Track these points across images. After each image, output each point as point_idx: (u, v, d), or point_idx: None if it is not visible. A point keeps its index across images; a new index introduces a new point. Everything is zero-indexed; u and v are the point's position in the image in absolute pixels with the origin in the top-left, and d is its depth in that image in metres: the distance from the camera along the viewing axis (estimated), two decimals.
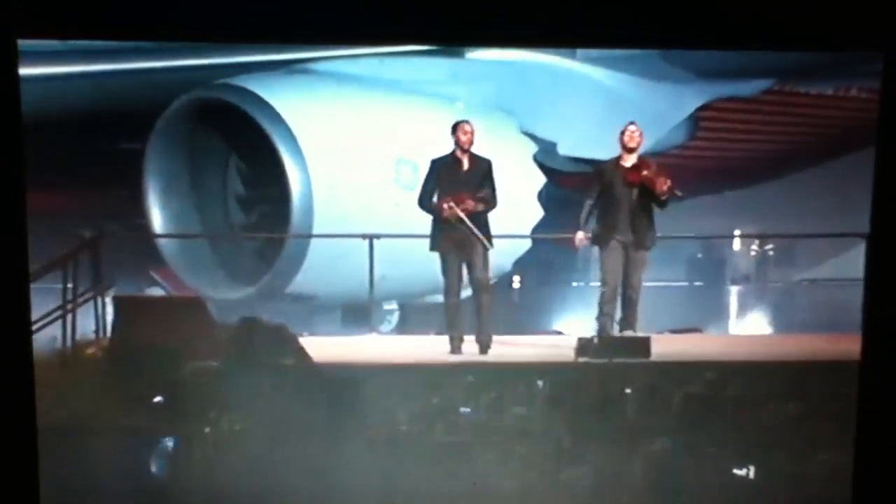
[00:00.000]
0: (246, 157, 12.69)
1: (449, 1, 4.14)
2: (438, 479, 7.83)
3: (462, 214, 9.77)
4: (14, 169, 4.06)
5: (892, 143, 3.70)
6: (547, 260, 13.20)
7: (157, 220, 12.30)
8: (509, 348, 10.15)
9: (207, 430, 8.11)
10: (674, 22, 3.89)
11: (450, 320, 10.02)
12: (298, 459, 7.82)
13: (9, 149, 4.05)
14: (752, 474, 8.02)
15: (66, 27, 4.16)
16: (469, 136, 9.97)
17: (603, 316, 10.01)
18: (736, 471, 8.00)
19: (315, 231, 11.74)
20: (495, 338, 10.24)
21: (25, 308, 4.21)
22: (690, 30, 3.88)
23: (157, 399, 8.30)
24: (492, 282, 10.46)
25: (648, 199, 9.90)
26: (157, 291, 12.43)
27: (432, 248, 10.07)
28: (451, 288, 10.02)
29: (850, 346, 10.03)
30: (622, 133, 10.03)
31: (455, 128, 10.05)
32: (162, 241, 12.32)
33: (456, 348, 9.87)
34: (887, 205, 3.73)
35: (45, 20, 4.06)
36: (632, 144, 9.96)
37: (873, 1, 3.63)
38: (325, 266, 11.79)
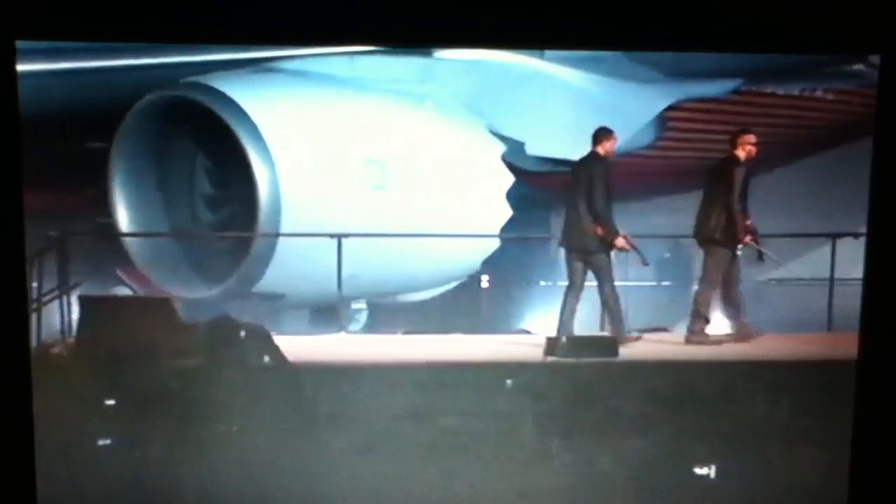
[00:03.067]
0: (213, 156, 12.61)
1: (416, 1, 4.14)
2: (407, 479, 7.82)
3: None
4: (11, 170, 4.05)
5: (888, 144, 3.73)
6: (516, 260, 13.22)
7: (124, 219, 12.21)
8: (477, 347, 10.18)
9: (176, 430, 8.08)
10: (672, 23, 3.90)
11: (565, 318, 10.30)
12: (267, 460, 7.79)
13: (6, 150, 4.05)
14: (713, 473, 8.06)
15: (63, 28, 4.14)
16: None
17: (701, 316, 10.45)
18: (697, 470, 8.04)
19: (283, 230, 11.70)
20: (463, 337, 10.29)
21: (23, 307, 4.18)
22: (689, 32, 3.89)
23: (110, 402, 8.23)
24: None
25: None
26: (123, 291, 12.35)
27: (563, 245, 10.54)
28: (574, 288, 10.39)
29: (815, 345, 10.20)
30: (744, 141, 10.33)
31: (607, 135, 10.54)
32: (128, 241, 12.23)
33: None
34: (885, 205, 3.76)
35: (44, 21, 4.04)
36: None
37: (869, 3, 3.65)
38: (293, 265, 11.75)
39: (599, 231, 10.33)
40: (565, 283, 10.39)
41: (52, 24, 4.07)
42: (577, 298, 10.38)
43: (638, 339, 10.38)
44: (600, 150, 10.50)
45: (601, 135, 10.54)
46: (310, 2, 4.21)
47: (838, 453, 6.52)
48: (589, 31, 4.17)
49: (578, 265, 10.40)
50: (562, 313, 10.32)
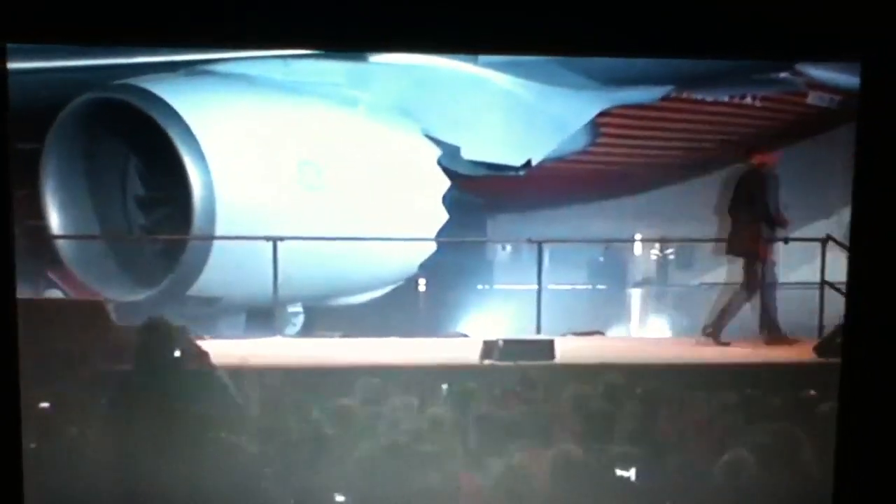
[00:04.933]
0: (146, 159, 12.51)
1: (349, 5, 4.12)
2: (341, 483, 7.77)
3: None
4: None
5: (869, 151, 3.79)
6: (452, 263, 13.25)
7: (56, 221, 12.06)
8: (414, 351, 10.18)
9: (106, 434, 7.95)
10: (663, 28, 3.91)
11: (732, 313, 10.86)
12: (200, 464, 7.70)
13: None
14: (634, 476, 8.09)
15: (56, 31, 4.08)
16: None
17: None
18: (619, 471, 8.07)
19: (218, 233, 11.61)
20: (400, 341, 10.28)
21: (10, 311, 4.09)
22: (684, 37, 3.92)
23: (44, 405, 8.10)
24: None
25: None
26: (55, 294, 12.17)
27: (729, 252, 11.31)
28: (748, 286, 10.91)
29: (745, 349, 10.34)
30: None
31: (764, 149, 11.32)
32: (60, 243, 12.07)
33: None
34: (866, 210, 3.82)
35: (35, 24, 3.97)
36: None
37: (848, 10, 3.70)
38: (228, 268, 11.66)
39: (762, 232, 10.91)
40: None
41: (42, 27, 4.01)
42: (744, 301, 10.97)
43: (795, 341, 10.77)
44: (756, 162, 10.99)
45: (757, 149, 11.22)
46: (244, 4, 4.18)
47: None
48: (528, 36, 4.18)
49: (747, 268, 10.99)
50: (729, 312, 10.90)
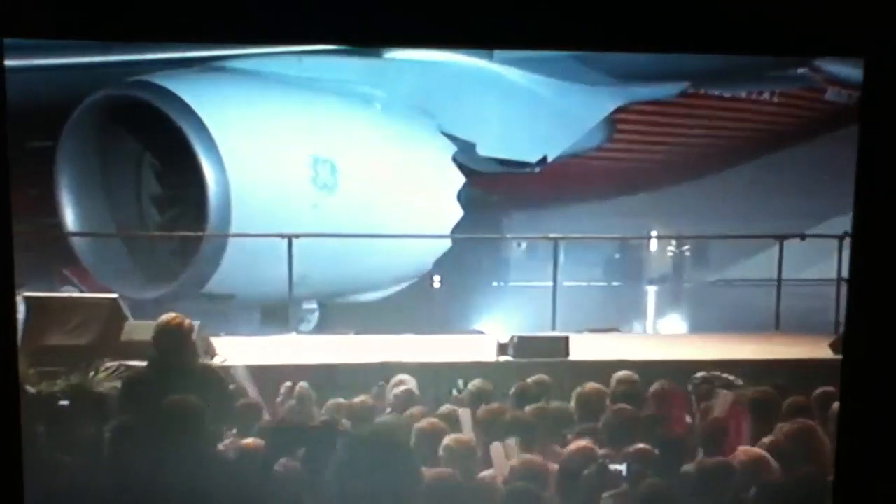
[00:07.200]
0: (160, 156, 12.50)
1: (364, 0, 4.10)
2: (356, 481, 7.73)
3: None
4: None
5: (871, 147, 3.76)
6: (467, 260, 13.25)
7: (70, 218, 12.08)
8: (429, 347, 10.14)
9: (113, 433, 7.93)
10: (669, 24, 3.89)
11: None
12: (213, 462, 7.68)
13: None
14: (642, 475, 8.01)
15: (52, 26, 4.07)
16: None
17: None
18: (613, 466, 7.99)
19: (233, 230, 11.61)
20: (415, 337, 10.24)
21: (10, 313, 4.08)
22: (691, 32, 3.89)
23: (63, 402, 8.08)
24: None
25: None
26: (70, 291, 12.18)
27: None
28: None
29: (761, 344, 10.28)
30: None
31: None
32: (76, 240, 12.09)
33: None
34: (868, 206, 3.79)
35: (31, 19, 3.96)
36: None
37: (852, 8, 3.68)
38: (243, 265, 11.66)
39: None
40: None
41: (38, 21, 4.00)
42: None
43: None
44: None
45: None
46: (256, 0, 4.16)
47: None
48: (544, 31, 4.15)
49: None
50: None
